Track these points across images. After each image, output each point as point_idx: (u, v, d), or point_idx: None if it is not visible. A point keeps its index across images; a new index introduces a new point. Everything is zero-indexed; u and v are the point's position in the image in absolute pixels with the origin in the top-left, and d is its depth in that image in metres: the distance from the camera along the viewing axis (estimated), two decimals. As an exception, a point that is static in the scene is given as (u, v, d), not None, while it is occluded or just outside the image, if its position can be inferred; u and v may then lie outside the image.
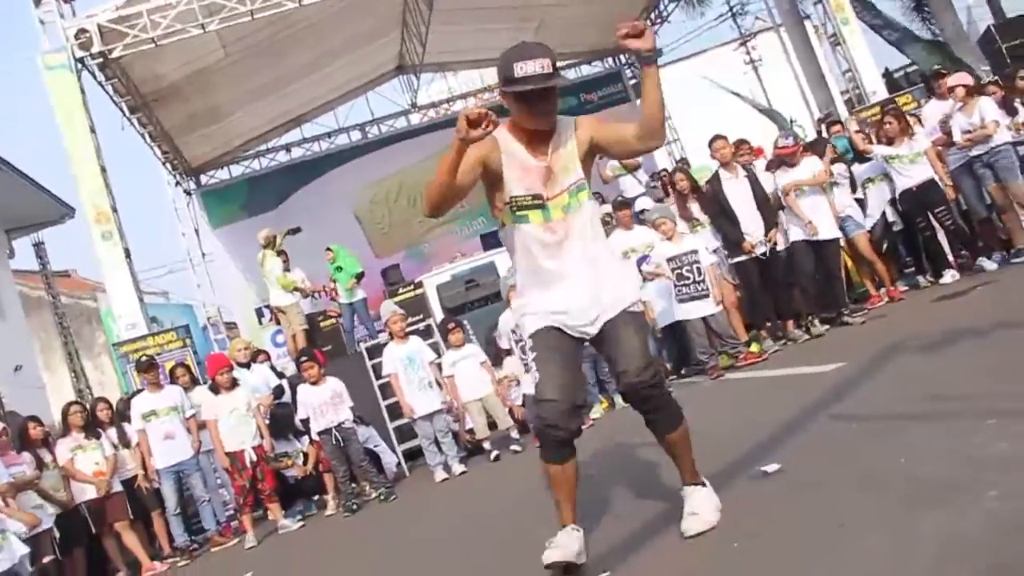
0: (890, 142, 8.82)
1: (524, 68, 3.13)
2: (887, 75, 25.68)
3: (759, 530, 3.02)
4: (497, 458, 7.87)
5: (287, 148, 19.72)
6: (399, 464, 9.21)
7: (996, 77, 10.56)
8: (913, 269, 9.61)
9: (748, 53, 31.59)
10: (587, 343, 3.42)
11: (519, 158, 3.29)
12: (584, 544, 3.22)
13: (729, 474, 3.87)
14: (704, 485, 3.34)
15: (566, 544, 3.16)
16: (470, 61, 20.28)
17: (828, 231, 8.27)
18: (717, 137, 8.70)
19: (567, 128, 3.33)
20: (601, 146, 3.37)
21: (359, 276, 12.68)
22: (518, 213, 3.31)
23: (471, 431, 8.45)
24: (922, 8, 21.06)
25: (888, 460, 3.20)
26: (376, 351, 9.29)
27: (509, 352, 8.43)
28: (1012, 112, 8.87)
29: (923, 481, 2.84)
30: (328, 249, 12.60)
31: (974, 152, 8.40)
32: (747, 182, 8.39)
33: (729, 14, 31.04)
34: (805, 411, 4.72)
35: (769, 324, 8.60)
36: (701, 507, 3.25)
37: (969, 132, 8.38)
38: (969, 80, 8.79)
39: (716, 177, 8.61)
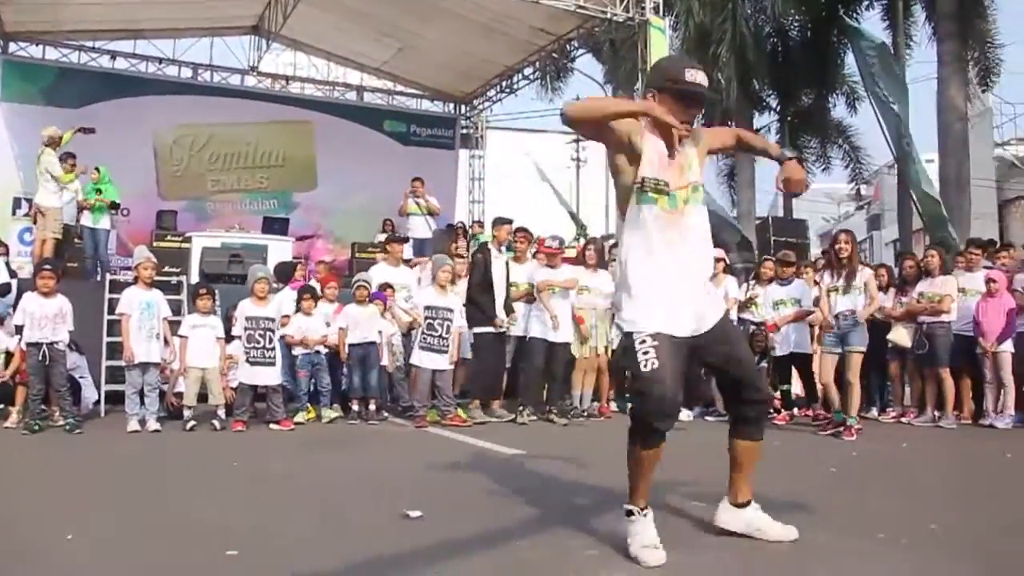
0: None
1: (695, 75, 3.52)
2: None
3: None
4: (193, 428, 8.01)
5: (113, 55, 18.93)
6: (98, 402, 9.11)
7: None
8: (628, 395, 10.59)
9: (577, 152, 33.22)
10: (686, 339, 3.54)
11: (656, 145, 3.55)
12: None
13: (377, 509, 4.43)
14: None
15: (653, 537, 3.42)
16: (323, 51, 20.25)
17: (563, 336, 9.05)
18: (502, 222, 9.41)
19: (695, 134, 3.70)
20: (714, 149, 3.86)
21: (115, 205, 12.47)
22: (648, 194, 3.52)
23: (179, 395, 8.54)
24: (733, 178, 23.04)
25: (506, 530, 3.83)
26: (118, 287, 9.22)
27: (237, 336, 8.65)
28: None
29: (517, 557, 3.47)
30: (96, 169, 12.33)
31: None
32: (505, 266, 9.14)
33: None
34: (470, 478, 5.45)
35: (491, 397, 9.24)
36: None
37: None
38: (723, 257, 9.98)
39: (487, 249, 9.30)
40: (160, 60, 19.31)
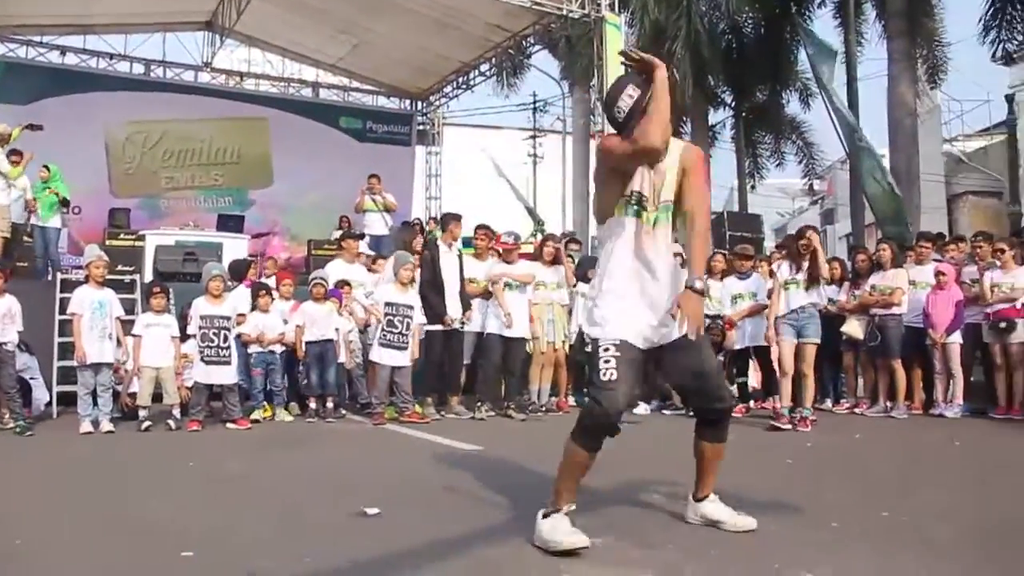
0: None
1: (620, 110, 3.59)
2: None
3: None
4: (148, 428, 7.90)
5: (63, 51, 18.58)
6: (49, 404, 8.96)
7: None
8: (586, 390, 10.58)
9: (534, 148, 33.28)
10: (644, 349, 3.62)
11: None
12: None
13: (335, 507, 4.41)
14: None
15: (571, 530, 3.46)
16: (278, 47, 20.05)
17: (520, 331, 9.07)
18: (452, 218, 9.41)
19: (675, 149, 3.69)
20: (680, 183, 3.68)
21: (65, 203, 12.24)
22: (634, 206, 3.63)
23: (133, 395, 8.43)
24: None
25: (455, 523, 3.83)
26: (69, 286, 9.07)
27: (192, 335, 8.54)
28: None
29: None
30: (45, 167, 12.10)
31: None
32: (457, 261, 9.12)
33: (532, 106, 32.80)
34: (428, 474, 5.46)
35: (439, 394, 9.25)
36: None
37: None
38: (680, 252, 10.03)
39: (435, 245, 9.27)
40: (111, 56, 18.97)
